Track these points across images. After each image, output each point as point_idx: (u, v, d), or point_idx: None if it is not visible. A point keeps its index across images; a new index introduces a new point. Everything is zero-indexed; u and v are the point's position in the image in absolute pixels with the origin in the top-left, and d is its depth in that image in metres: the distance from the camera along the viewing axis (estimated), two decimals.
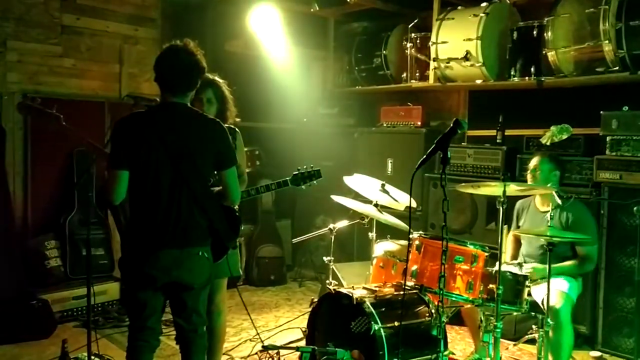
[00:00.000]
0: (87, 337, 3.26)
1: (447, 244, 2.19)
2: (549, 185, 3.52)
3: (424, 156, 2.28)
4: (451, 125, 2.27)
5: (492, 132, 4.86)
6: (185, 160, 2.52)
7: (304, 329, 3.37)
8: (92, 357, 3.35)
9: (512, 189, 3.00)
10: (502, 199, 2.86)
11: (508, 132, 4.80)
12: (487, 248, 3.09)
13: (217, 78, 3.19)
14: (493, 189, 3.01)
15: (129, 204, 2.64)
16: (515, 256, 3.78)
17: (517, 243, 3.82)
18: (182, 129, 2.53)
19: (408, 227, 2.55)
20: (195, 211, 2.56)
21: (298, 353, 3.03)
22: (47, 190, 4.79)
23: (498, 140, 4.80)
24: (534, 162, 3.67)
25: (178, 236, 2.53)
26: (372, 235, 3.93)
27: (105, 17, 5.11)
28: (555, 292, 3.23)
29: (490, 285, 2.96)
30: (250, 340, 4.17)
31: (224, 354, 3.61)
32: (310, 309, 3.37)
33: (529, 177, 3.66)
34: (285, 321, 4.62)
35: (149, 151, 2.49)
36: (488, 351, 3.12)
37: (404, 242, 3.80)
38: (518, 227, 3.78)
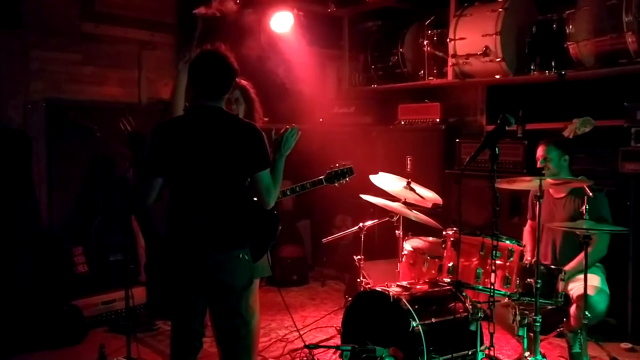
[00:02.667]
0: (122, 340, 3.29)
1: (497, 242, 2.19)
2: (560, 172, 3.49)
3: (473, 153, 2.28)
4: (498, 121, 2.27)
5: (513, 127, 4.85)
6: (222, 164, 2.53)
7: (338, 328, 3.39)
8: None
9: (548, 182, 3.01)
10: (539, 194, 2.86)
11: (529, 127, 4.80)
12: (524, 242, 3.09)
13: (242, 81, 3.22)
14: (528, 183, 3.02)
15: (167, 209, 2.67)
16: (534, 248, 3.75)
17: (535, 233, 3.80)
18: (218, 133, 2.55)
19: (438, 225, 2.57)
20: (234, 214, 2.58)
21: (330, 352, 3.06)
22: (72, 197, 4.82)
23: (519, 135, 4.80)
24: (540, 151, 3.61)
25: (218, 240, 2.54)
26: (399, 233, 3.95)
27: (123, 23, 5.14)
28: (590, 288, 3.24)
29: (529, 280, 2.97)
30: (281, 340, 4.19)
31: (257, 354, 3.64)
32: (343, 307, 3.39)
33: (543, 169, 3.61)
34: (313, 321, 4.63)
35: (187, 157, 2.51)
36: (524, 345, 3.13)
37: (433, 239, 3.82)
38: (534, 215, 3.75)
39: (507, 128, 2.27)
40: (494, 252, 2.23)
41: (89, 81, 4.98)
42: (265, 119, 3.27)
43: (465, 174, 4.93)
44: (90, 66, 4.99)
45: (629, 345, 3.99)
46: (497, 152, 2.20)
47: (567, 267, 3.35)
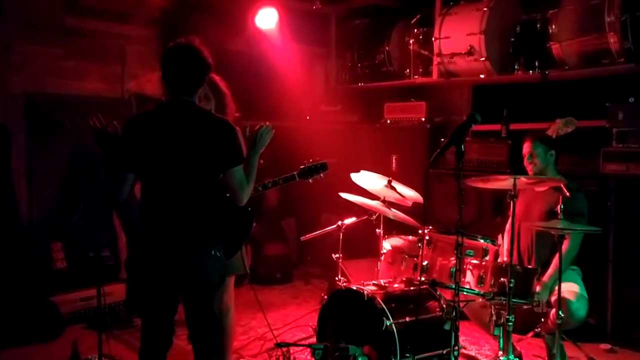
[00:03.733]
0: (97, 338, 3.26)
1: (463, 239, 2.18)
2: (547, 168, 3.50)
3: (438, 150, 2.27)
4: (465, 119, 2.26)
5: (497, 127, 4.85)
6: (193, 160, 2.51)
7: (313, 326, 3.37)
8: (103, 358, 3.34)
9: (522, 182, 2.99)
10: (512, 192, 2.85)
11: (513, 127, 4.79)
12: (499, 242, 3.08)
13: (213, 75, 3.19)
14: (502, 182, 3.01)
15: (140, 205, 2.64)
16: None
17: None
18: (189, 129, 2.52)
19: (416, 223, 2.55)
20: (206, 210, 2.55)
21: (309, 350, 3.02)
22: (52, 192, 4.77)
23: (503, 135, 4.79)
24: (526, 147, 3.61)
25: (190, 236, 2.52)
26: (380, 231, 3.92)
27: (106, 17, 5.10)
28: (569, 293, 3.23)
29: (502, 279, 2.95)
30: (259, 338, 4.17)
31: (233, 352, 3.61)
32: (319, 306, 3.36)
33: (527, 166, 3.61)
34: (294, 319, 4.61)
35: (157, 152, 2.49)
36: (499, 344, 3.12)
37: (413, 238, 3.80)
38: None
39: (472, 125, 2.24)
40: (459, 249, 2.21)
41: (71, 76, 4.93)
42: (237, 114, 3.23)
43: (447, 173, 4.94)
44: (72, 60, 4.94)
45: (609, 347, 3.99)
46: (463, 149, 2.18)
47: (545, 278, 3.31)
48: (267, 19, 5.39)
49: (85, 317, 4.42)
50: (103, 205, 4.70)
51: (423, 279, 3.12)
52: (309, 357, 3.53)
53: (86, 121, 2.80)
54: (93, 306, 4.45)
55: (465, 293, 3.08)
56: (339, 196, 3.99)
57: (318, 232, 4.17)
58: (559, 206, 2.94)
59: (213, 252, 2.59)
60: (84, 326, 4.36)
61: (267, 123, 2.79)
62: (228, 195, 2.72)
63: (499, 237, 3.61)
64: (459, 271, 2.25)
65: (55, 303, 4.17)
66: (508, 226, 3.83)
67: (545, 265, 3.35)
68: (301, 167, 3.25)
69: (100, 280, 3.30)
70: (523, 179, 2.97)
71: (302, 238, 4.31)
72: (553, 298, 3.24)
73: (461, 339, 3.98)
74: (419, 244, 3.21)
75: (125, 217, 4.67)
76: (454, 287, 2.70)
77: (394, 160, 5.47)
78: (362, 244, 5.52)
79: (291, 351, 3.55)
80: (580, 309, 3.27)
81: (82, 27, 4.97)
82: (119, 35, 5.17)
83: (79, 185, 4.75)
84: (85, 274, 4.62)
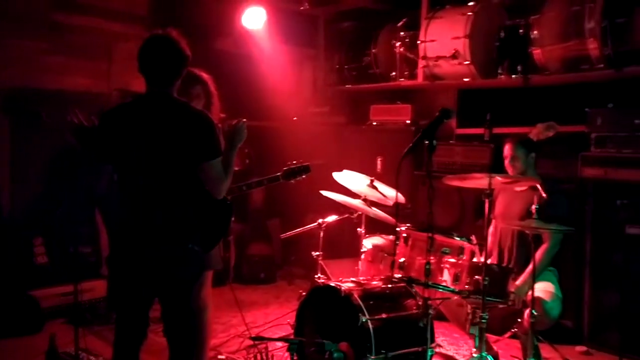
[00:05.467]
0: (82, 332, 3.27)
1: (433, 235, 2.21)
2: (527, 170, 3.55)
3: (411, 144, 2.30)
4: (437, 114, 2.29)
5: (480, 131, 4.90)
6: (169, 152, 2.49)
7: (292, 323, 3.38)
8: (80, 352, 3.34)
9: (498, 181, 3.04)
10: (488, 191, 2.89)
11: (496, 130, 4.84)
12: (474, 240, 3.11)
13: (204, 74, 3.22)
14: (479, 181, 3.04)
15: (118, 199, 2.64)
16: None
17: (498, 233, 3.83)
18: (165, 121, 2.49)
19: (394, 221, 2.58)
20: (183, 204, 2.55)
21: (286, 348, 3.03)
22: (33, 187, 4.76)
23: (486, 139, 4.84)
24: (507, 150, 3.64)
25: (167, 230, 2.51)
26: (361, 230, 3.95)
27: (94, 14, 5.10)
28: (544, 293, 3.27)
29: (477, 277, 2.99)
30: (239, 336, 4.17)
31: (212, 349, 3.62)
32: (298, 303, 3.38)
33: (508, 168, 3.65)
34: (275, 318, 4.62)
35: (133, 145, 2.47)
36: (475, 343, 3.15)
37: (393, 237, 3.83)
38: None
39: (444, 120, 2.28)
40: (430, 246, 2.24)
41: (56, 71, 4.93)
42: (222, 115, 3.26)
43: (431, 176, 4.97)
44: (59, 56, 4.94)
45: (585, 349, 4.03)
46: (435, 144, 2.22)
47: (525, 276, 3.34)
48: (255, 19, 5.41)
49: (65, 312, 4.41)
50: (85, 200, 4.69)
51: (399, 275, 3.14)
52: (287, 355, 3.55)
53: (65, 116, 2.81)
54: (73, 301, 4.44)
55: (441, 290, 3.11)
56: (325, 197, 4.02)
57: (298, 229, 4.20)
58: (534, 206, 2.98)
59: (191, 246, 2.58)
60: (65, 321, 4.34)
61: (244, 120, 2.80)
62: (206, 188, 2.73)
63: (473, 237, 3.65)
64: (428, 267, 2.27)
65: (35, 297, 4.16)
66: (492, 229, 3.88)
67: (526, 264, 3.40)
68: (284, 168, 3.30)
69: (77, 277, 3.30)
70: (498, 177, 3.01)
71: (282, 236, 4.35)
72: (528, 297, 3.28)
73: (440, 339, 4.03)
74: (397, 242, 3.23)
75: (106, 213, 4.67)
76: (430, 284, 2.73)
77: (379, 162, 5.50)
78: (345, 244, 5.55)
79: (269, 348, 3.56)
80: (554, 309, 3.31)
81: (70, 23, 4.97)
82: (106, 32, 5.18)
83: (61, 180, 4.75)
84: (67, 269, 4.61)
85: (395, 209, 4.05)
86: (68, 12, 4.95)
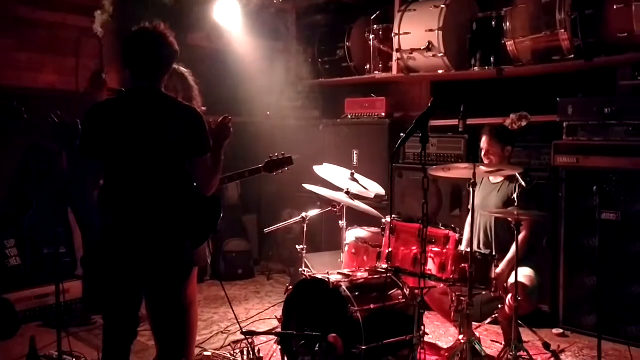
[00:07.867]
0: (56, 335, 3.18)
1: (426, 228, 2.23)
2: (503, 162, 3.60)
3: (404, 135, 2.32)
4: (429, 105, 2.32)
5: (455, 122, 4.98)
6: (157, 148, 2.46)
7: (279, 317, 3.38)
8: (63, 356, 3.26)
9: (481, 170, 3.09)
10: (473, 181, 2.94)
11: (470, 122, 4.92)
12: (458, 230, 3.17)
13: (181, 68, 3.17)
14: (463, 171, 3.10)
15: (100, 196, 2.58)
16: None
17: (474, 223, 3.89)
18: (154, 116, 2.47)
19: (379, 214, 2.61)
20: (172, 200, 2.51)
21: (272, 343, 3.04)
22: (4, 188, 4.61)
23: (460, 130, 4.92)
24: (484, 143, 3.68)
25: (157, 227, 2.47)
26: (343, 223, 3.97)
27: (61, 9, 4.95)
28: (525, 278, 3.36)
29: (462, 265, 3.04)
30: (223, 332, 4.15)
31: (196, 346, 3.58)
32: (285, 297, 3.37)
33: (484, 159, 3.69)
34: (257, 313, 4.61)
35: (121, 140, 2.43)
36: (459, 330, 3.21)
37: (375, 229, 3.86)
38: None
39: (437, 111, 2.32)
40: (424, 237, 2.27)
41: (24, 68, 4.78)
42: (204, 108, 3.22)
43: (409, 167, 5.04)
44: (25, 52, 4.78)
45: (560, 331, 4.17)
46: (428, 135, 2.25)
47: (500, 270, 3.38)
48: (226, 12, 5.35)
49: (40, 315, 4.29)
50: (59, 200, 4.56)
51: (385, 266, 3.17)
52: (272, 348, 3.55)
53: (42, 116, 2.74)
54: (48, 304, 4.33)
55: (427, 280, 3.15)
56: (301, 192, 4.03)
57: (282, 224, 4.19)
58: (515, 194, 3.05)
59: (180, 242, 2.56)
60: (40, 324, 4.23)
61: (229, 117, 2.79)
62: (195, 184, 2.70)
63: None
64: (418, 257, 2.30)
65: (9, 301, 4.04)
66: (469, 219, 3.95)
67: (505, 253, 3.47)
68: (267, 160, 3.29)
69: (59, 277, 3.21)
70: (482, 167, 3.07)
71: (266, 230, 4.32)
72: (510, 284, 3.36)
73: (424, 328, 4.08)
74: (382, 233, 3.26)
75: (81, 213, 4.55)
76: (417, 274, 2.76)
77: (355, 155, 5.53)
78: (325, 237, 5.57)
79: (256, 342, 3.55)
80: (534, 293, 3.40)
81: (35, 18, 4.81)
82: (74, 28, 5.03)
83: (33, 180, 4.61)
84: (40, 271, 4.48)
85: (375, 202, 4.12)
86: (33, 6, 4.80)
